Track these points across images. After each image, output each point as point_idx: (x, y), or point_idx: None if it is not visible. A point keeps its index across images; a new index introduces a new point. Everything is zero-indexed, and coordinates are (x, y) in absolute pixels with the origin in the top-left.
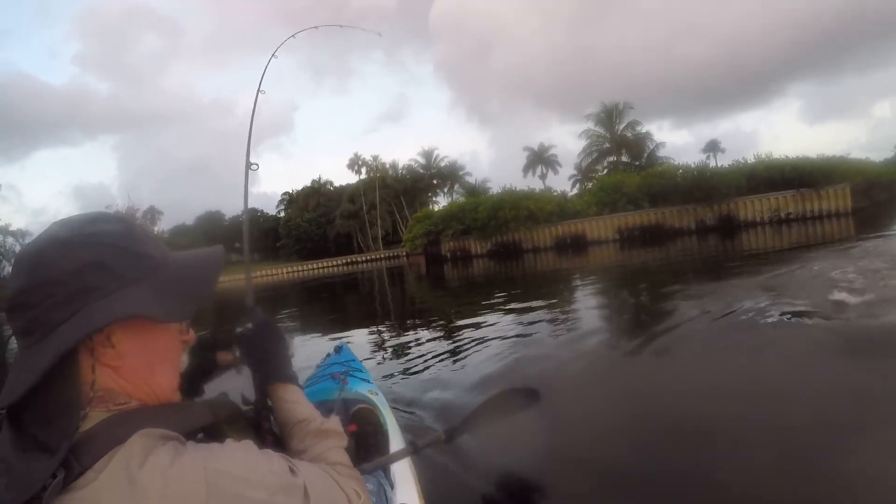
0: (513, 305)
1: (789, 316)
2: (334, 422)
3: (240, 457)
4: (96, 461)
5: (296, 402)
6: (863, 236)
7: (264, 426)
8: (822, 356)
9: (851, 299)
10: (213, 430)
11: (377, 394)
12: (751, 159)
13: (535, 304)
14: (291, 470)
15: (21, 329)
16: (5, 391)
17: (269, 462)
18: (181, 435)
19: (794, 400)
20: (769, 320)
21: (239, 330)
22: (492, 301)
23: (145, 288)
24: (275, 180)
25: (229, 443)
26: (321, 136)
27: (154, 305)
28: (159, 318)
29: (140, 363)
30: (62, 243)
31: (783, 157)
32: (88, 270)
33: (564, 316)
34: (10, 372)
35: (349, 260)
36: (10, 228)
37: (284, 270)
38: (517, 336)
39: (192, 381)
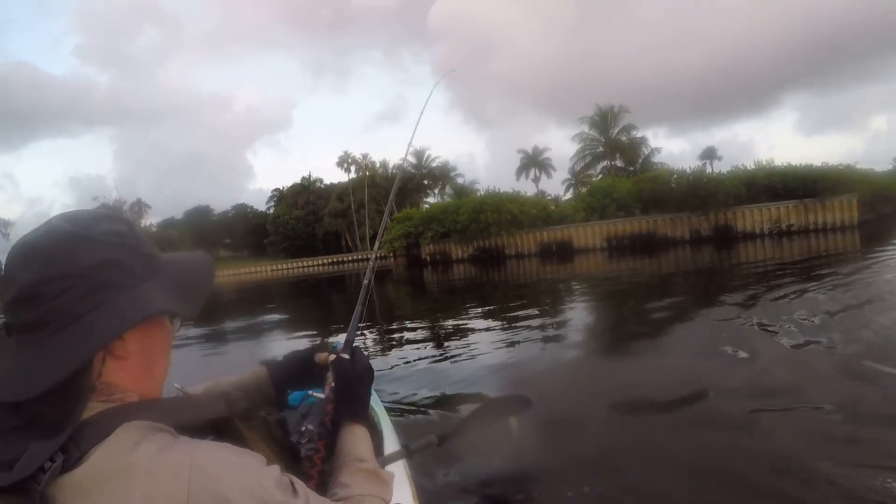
0: (498, 312)
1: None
2: (388, 474)
3: (230, 460)
4: (92, 448)
5: (360, 440)
6: (875, 252)
7: (285, 440)
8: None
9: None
10: (225, 423)
11: (371, 394)
12: (750, 166)
13: (520, 312)
14: (294, 490)
15: (31, 321)
16: (20, 382)
17: (261, 474)
18: (181, 427)
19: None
20: (748, 343)
21: (335, 357)
22: (476, 308)
23: (157, 285)
24: (270, 177)
25: (224, 445)
26: (319, 133)
27: (173, 302)
28: (185, 314)
29: (143, 357)
30: (79, 238)
31: (785, 164)
32: (108, 266)
33: (550, 325)
34: (14, 362)
35: (336, 259)
36: None
37: (269, 268)
38: (506, 343)
39: (302, 374)
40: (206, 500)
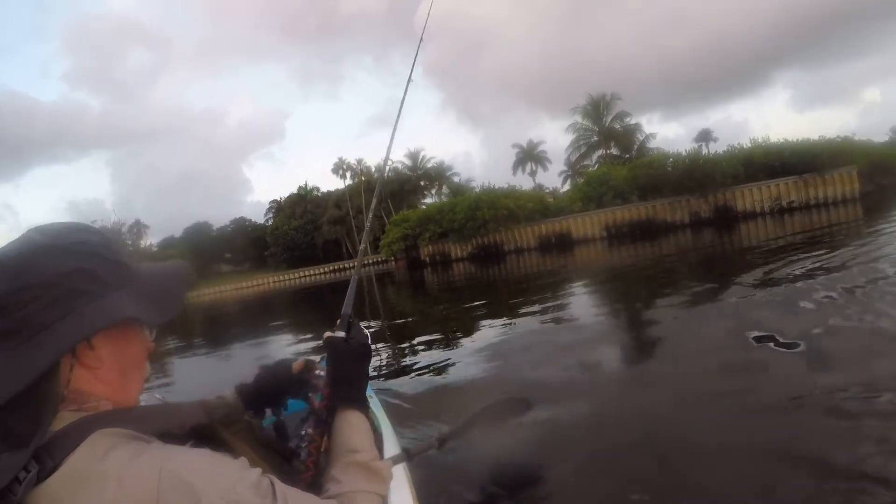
0: (498, 310)
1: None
2: (384, 465)
3: (203, 464)
4: (66, 457)
5: (356, 430)
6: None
7: (277, 443)
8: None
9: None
10: (206, 430)
11: (371, 397)
12: (746, 145)
13: (520, 309)
14: (273, 493)
15: (3, 331)
16: None
17: (237, 477)
18: (161, 435)
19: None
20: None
21: (329, 335)
22: (477, 306)
23: (128, 294)
24: (268, 188)
25: (201, 450)
26: (313, 142)
27: (142, 310)
28: (151, 322)
29: (115, 367)
30: (48, 248)
31: (782, 140)
32: (77, 275)
33: (550, 323)
34: None
35: (337, 266)
36: None
37: (271, 280)
38: (506, 342)
39: (270, 389)
40: (175, 500)
